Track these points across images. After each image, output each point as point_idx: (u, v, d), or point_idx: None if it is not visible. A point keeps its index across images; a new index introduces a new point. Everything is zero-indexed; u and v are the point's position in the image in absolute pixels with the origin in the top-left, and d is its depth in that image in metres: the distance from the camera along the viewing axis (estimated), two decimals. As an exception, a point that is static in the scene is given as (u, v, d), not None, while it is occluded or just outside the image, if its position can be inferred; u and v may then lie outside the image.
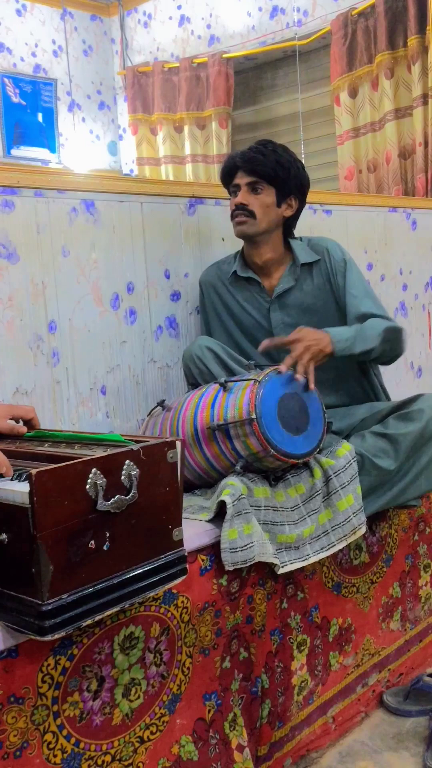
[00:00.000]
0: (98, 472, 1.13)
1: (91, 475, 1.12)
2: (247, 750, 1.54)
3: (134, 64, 5.24)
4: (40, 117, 5.12)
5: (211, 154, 4.91)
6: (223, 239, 2.21)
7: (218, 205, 2.21)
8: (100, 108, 5.47)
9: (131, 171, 5.40)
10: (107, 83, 5.49)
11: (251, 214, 1.88)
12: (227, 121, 4.81)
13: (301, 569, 1.67)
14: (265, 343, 1.78)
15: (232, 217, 1.91)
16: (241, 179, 1.89)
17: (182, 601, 1.42)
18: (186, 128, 4.95)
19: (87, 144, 5.40)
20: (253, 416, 1.55)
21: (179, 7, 4.99)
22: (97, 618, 1.13)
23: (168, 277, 2.09)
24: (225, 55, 4.71)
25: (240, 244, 2.00)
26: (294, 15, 4.43)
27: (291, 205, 1.93)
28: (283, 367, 1.65)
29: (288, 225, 1.97)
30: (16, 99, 4.96)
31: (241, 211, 1.88)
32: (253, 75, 4.90)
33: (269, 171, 1.86)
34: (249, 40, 4.66)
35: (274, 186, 1.88)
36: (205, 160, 4.95)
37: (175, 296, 2.12)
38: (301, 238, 2.01)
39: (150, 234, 2.03)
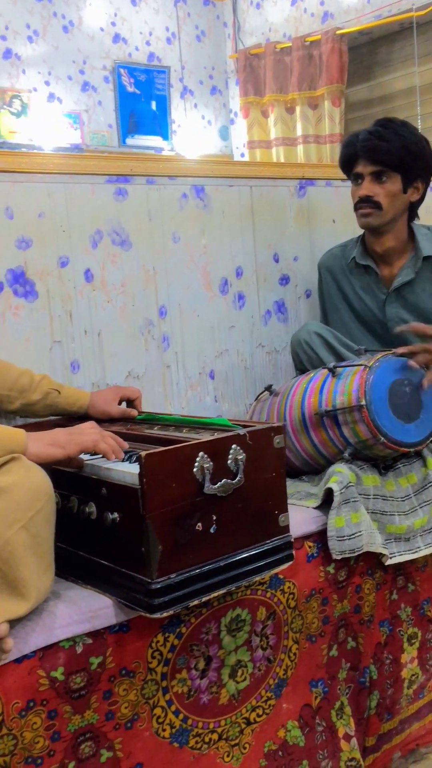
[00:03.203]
0: (205, 455, 1.14)
1: (198, 459, 1.13)
2: (354, 740, 1.52)
3: (246, 47, 5.20)
4: (153, 105, 5.20)
5: (323, 134, 4.80)
6: (333, 221, 2.16)
7: (329, 186, 2.16)
8: (211, 93, 5.48)
9: (242, 155, 5.39)
10: (219, 67, 5.49)
11: (377, 206, 1.78)
12: (340, 99, 4.69)
13: (413, 561, 1.63)
14: (411, 326, 1.72)
15: (356, 208, 1.83)
16: (364, 168, 1.79)
17: (289, 587, 1.42)
18: (298, 109, 4.87)
19: (199, 129, 5.43)
20: (363, 402, 1.52)
21: (292, -15, 4.90)
22: (204, 599, 1.15)
23: (277, 260, 2.08)
24: (339, 32, 4.58)
25: (354, 225, 1.94)
26: (412, -16, 4.24)
27: (418, 188, 1.83)
28: (400, 350, 1.59)
29: (412, 209, 1.88)
30: (131, 89, 5.07)
31: (366, 204, 1.79)
32: (367, 50, 4.74)
33: (394, 159, 1.75)
34: (364, 14, 4.51)
35: (400, 172, 1.78)
36: (317, 141, 4.85)
37: (284, 280, 2.10)
38: (429, 227, 1.90)
39: (259, 218, 2.02)
